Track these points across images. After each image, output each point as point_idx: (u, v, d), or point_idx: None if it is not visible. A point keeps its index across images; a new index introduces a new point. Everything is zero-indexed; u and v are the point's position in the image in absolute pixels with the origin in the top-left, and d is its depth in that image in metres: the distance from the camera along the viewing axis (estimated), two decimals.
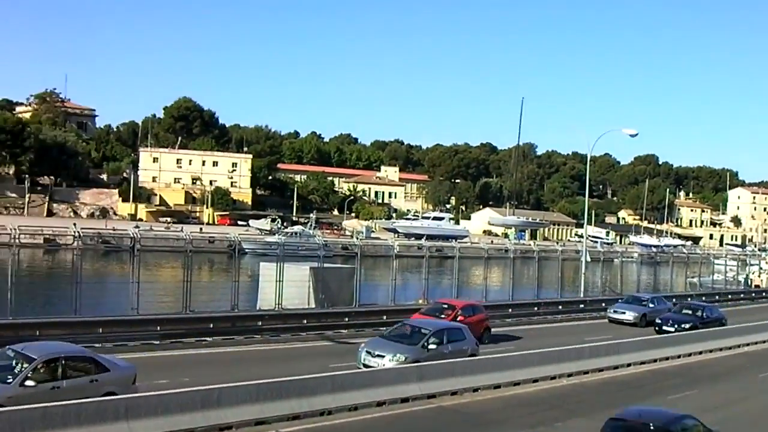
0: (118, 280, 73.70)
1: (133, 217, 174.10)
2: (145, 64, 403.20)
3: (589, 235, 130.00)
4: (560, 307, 66.55)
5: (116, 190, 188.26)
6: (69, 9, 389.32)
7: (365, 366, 35.45)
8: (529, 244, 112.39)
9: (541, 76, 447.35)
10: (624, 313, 63.27)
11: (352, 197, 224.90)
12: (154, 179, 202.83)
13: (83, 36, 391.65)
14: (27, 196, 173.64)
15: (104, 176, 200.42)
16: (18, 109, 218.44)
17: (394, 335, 38.07)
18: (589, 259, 77.87)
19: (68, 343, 29.25)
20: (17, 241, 39.79)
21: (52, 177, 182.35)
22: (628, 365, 43.71)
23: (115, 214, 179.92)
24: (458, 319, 44.93)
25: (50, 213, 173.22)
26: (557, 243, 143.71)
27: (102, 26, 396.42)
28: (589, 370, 41.05)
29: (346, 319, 50.13)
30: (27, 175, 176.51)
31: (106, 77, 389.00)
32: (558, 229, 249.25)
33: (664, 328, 57.14)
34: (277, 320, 46.42)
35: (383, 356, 35.57)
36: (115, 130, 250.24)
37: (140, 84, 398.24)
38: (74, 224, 49.50)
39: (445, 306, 48.31)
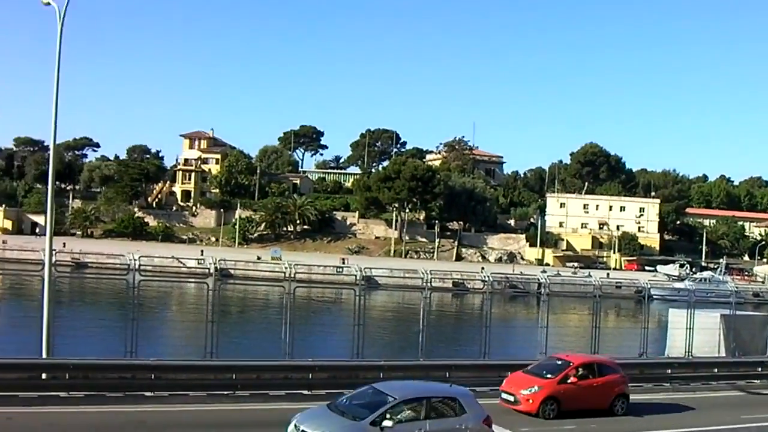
0: (525, 324, 74.33)
1: (540, 261, 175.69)
2: (551, 111, 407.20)
3: None
4: (759, 369, 48.83)
5: (523, 235, 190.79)
6: (483, 59, 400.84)
7: None
8: None
9: None
10: None
11: (763, 242, 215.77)
12: (560, 224, 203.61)
13: (492, 86, 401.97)
14: (437, 240, 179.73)
15: (511, 221, 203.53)
16: (428, 157, 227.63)
17: (350, 404, 26.58)
18: None
19: None
20: (429, 284, 40.98)
21: (460, 222, 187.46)
22: None
23: (522, 258, 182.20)
24: (569, 380, 35.09)
25: (459, 257, 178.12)
26: None
27: (515, 78, 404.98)
28: None
29: (759, 369, 47.70)
30: (437, 221, 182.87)
31: (514, 125, 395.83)
32: None
33: None
34: (686, 368, 44.92)
35: None
36: (522, 176, 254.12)
37: (547, 131, 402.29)
38: (482, 268, 50.79)
39: (559, 362, 36.59)
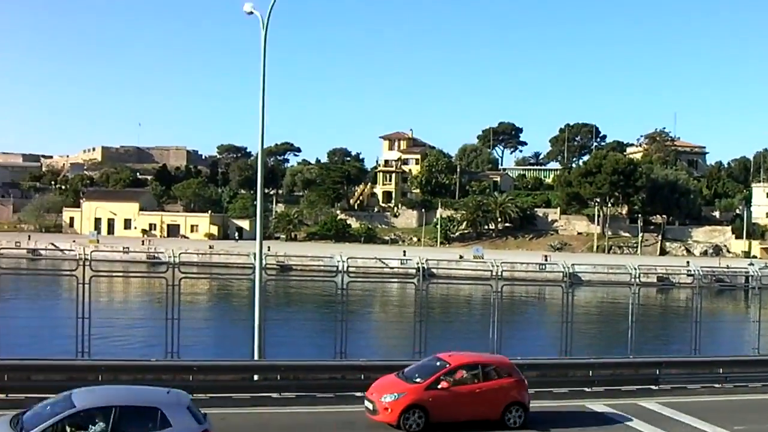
0: (733, 318, 72.42)
1: (746, 254, 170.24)
2: (755, 98, 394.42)
3: None
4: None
5: (729, 227, 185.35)
6: (682, 49, 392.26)
7: None
8: None
9: None
10: None
11: None
12: (767, 215, 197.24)
13: (693, 75, 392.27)
14: (640, 235, 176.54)
15: (716, 213, 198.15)
16: (629, 150, 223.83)
17: (43, 411, 21.52)
18: None
19: None
20: (637, 280, 40.41)
21: (664, 215, 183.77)
22: None
23: (728, 251, 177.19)
24: (440, 385, 28.82)
25: (663, 251, 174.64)
26: None
27: (716, 66, 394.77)
28: None
29: None
30: (639, 215, 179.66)
31: (716, 114, 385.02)
32: None
33: None
34: None
35: None
36: (726, 166, 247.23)
37: (751, 119, 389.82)
38: (687, 262, 49.70)
39: (438, 363, 30.12)
